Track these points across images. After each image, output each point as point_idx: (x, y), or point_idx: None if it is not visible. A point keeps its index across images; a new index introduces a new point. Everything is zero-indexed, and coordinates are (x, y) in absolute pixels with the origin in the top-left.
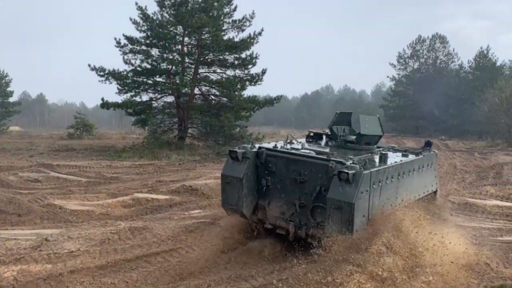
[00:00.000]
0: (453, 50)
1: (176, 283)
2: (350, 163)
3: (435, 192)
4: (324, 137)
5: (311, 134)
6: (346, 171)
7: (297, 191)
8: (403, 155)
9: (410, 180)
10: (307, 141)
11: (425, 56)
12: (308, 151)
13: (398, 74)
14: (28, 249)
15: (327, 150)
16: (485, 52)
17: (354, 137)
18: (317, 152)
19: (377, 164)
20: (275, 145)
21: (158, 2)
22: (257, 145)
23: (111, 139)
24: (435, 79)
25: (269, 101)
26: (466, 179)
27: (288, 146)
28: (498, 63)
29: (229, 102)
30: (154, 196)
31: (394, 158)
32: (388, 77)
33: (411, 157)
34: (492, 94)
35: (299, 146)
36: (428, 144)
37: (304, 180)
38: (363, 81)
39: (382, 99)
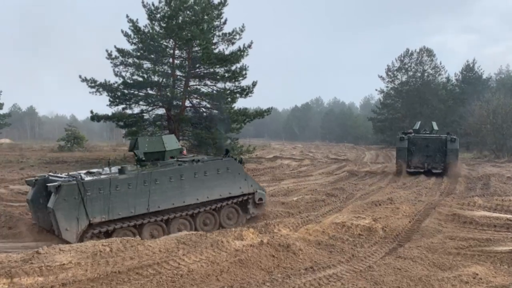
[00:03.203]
0: (440, 63)
1: None
2: (445, 135)
3: None
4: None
5: (404, 131)
6: (454, 137)
7: (426, 150)
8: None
9: None
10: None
11: (413, 69)
12: (427, 135)
13: (387, 87)
14: (19, 262)
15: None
16: (471, 65)
17: (428, 131)
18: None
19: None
20: (413, 133)
21: (149, 15)
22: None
23: (102, 151)
24: (423, 92)
25: (260, 114)
26: (455, 190)
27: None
28: (484, 76)
29: (220, 114)
30: None
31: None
32: (376, 90)
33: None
34: (479, 107)
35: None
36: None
37: (430, 146)
38: (352, 94)
39: (371, 112)
